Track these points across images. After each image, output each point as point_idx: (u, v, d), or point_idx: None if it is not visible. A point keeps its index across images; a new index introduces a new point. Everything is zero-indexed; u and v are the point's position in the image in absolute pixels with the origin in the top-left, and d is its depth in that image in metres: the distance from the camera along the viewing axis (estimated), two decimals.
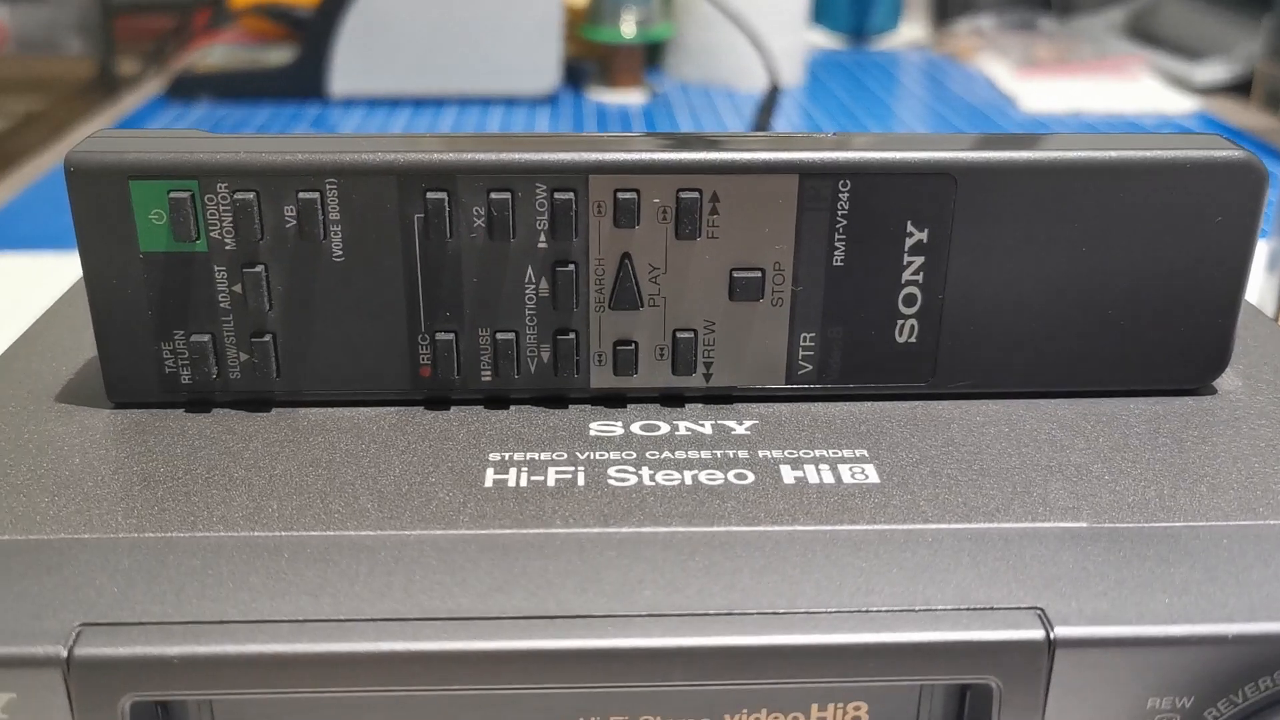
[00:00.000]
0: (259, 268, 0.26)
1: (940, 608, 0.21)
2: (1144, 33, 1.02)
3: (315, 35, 0.85)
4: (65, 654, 0.20)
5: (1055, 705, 0.21)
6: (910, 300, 0.27)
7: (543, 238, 0.26)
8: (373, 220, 0.26)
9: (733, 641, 0.21)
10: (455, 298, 0.27)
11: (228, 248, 0.26)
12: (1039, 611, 0.21)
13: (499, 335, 0.27)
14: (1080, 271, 0.27)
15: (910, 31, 1.11)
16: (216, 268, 0.26)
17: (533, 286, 0.27)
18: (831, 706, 0.23)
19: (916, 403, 0.28)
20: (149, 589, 0.22)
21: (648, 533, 0.23)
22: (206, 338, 0.27)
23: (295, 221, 0.26)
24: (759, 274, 0.27)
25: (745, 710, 0.23)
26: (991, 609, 0.21)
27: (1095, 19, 1.06)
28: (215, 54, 1.00)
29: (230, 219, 0.26)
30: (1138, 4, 1.05)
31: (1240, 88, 0.88)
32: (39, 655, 0.20)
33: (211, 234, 0.26)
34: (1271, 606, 0.21)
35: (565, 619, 0.21)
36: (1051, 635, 0.21)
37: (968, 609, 0.21)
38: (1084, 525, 0.24)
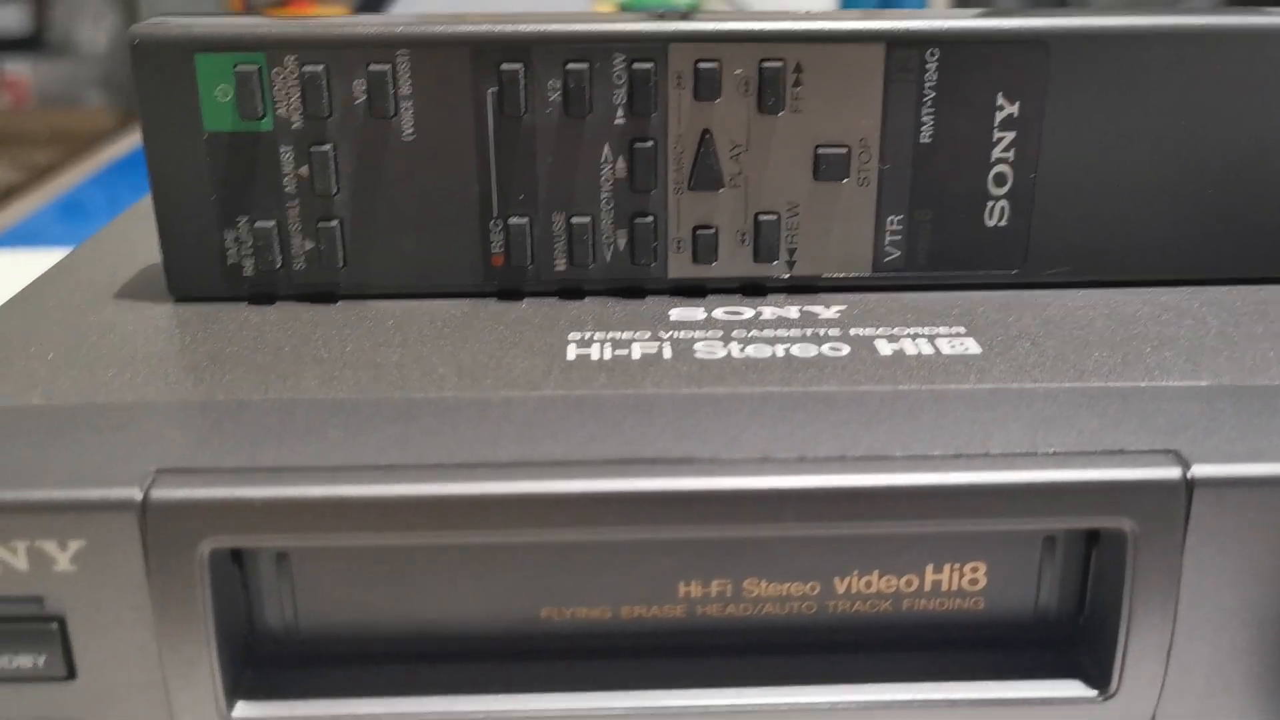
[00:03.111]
0: (327, 146, 0.25)
1: (1066, 451, 0.20)
2: None
3: None
4: (140, 497, 0.19)
5: (1193, 552, 0.20)
6: (1000, 180, 0.26)
7: (620, 113, 0.25)
8: (445, 95, 0.25)
9: (846, 482, 0.19)
10: (529, 180, 0.26)
11: (294, 126, 0.25)
12: (1174, 452, 0.20)
13: (574, 219, 0.26)
14: (1179, 148, 0.26)
15: None
16: (283, 148, 0.25)
17: (609, 167, 0.26)
18: (947, 568, 0.21)
19: (1008, 292, 0.27)
20: (223, 442, 0.20)
21: (745, 392, 0.22)
22: (271, 223, 0.26)
23: (365, 97, 0.25)
24: (844, 151, 0.26)
25: (856, 573, 0.21)
26: (1122, 451, 0.20)
27: None
28: None
29: (298, 94, 0.25)
30: None
31: None
32: (112, 499, 0.19)
33: (278, 111, 0.25)
34: None
35: (667, 462, 0.20)
36: (1189, 475, 0.20)
37: (1096, 452, 0.20)
38: (1206, 384, 0.22)
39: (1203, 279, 0.27)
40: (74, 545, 0.19)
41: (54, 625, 0.20)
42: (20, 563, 0.19)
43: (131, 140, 0.97)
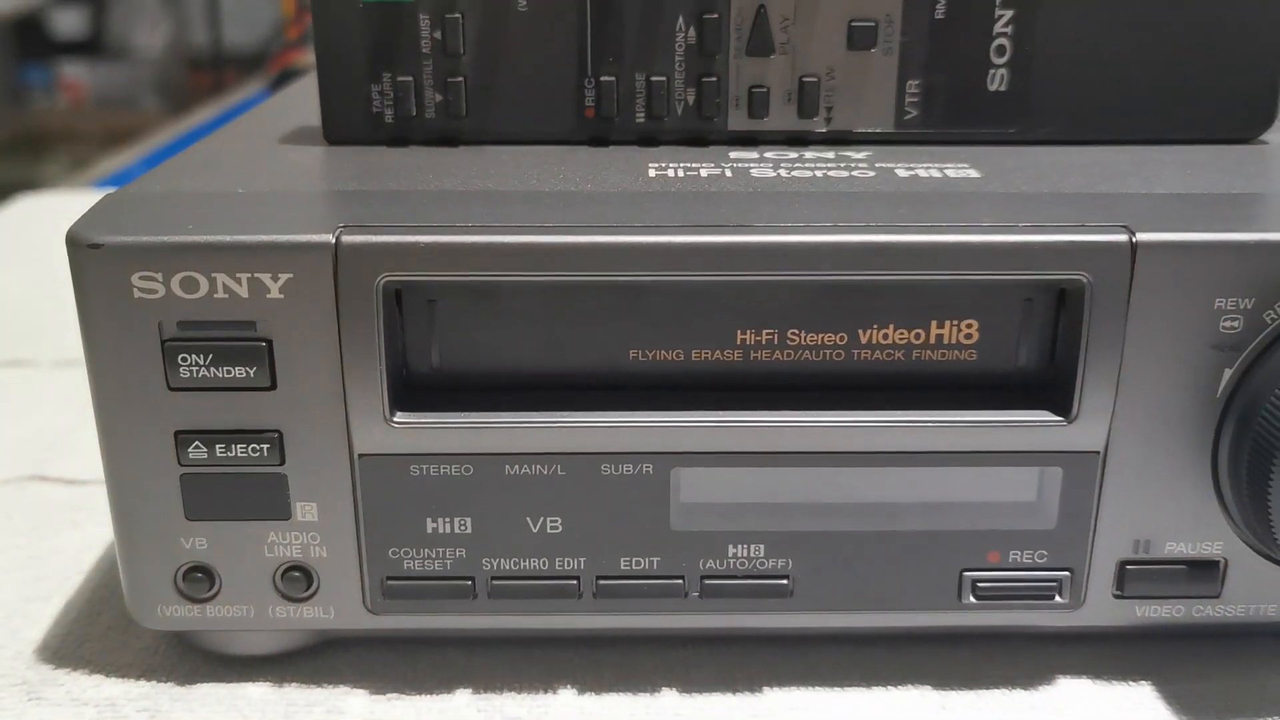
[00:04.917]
0: (457, 15, 0.31)
1: (1039, 224, 0.26)
2: None
3: None
4: (334, 240, 0.25)
5: (1138, 302, 0.26)
6: (1001, 51, 0.32)
7: None
8: None
9: (870, 238, 0.25)
10: (617, 44, 0.32)
11: None
12: (1124, 225, 0.26)
13: (653, 78, 0.32)
14: (1155, 25, 0.32)
15: None
16: (421, 16, 0.31)
17: (682, 34, 0.32)
18: (948, 324, 0.27)
19: (1010, 147, 0.33)
20: (389, 209, 0.27)
21: (793, 191, 0.28)
22: (409, 79, 0.32)
23: None
24: (873, 24, 0.32)
25: (875, 325, 0.27)
26: (1084, 225, 0.26)
27: None
28: None
29: None
30: None
31: None
32: (314, 242, 0.25)
33: None
34: None
35: (734, 227, 0.26)
36: (1135, 240, 0.25)
37: (1064, 224, 0.26)
38: (1164, 192, 0.28)
39: (1177, 139, 0.33)
40: (283, 277, 0.25)
41: (263, 344, 0.26)
42: (243, 290, 0.25)
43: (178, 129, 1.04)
